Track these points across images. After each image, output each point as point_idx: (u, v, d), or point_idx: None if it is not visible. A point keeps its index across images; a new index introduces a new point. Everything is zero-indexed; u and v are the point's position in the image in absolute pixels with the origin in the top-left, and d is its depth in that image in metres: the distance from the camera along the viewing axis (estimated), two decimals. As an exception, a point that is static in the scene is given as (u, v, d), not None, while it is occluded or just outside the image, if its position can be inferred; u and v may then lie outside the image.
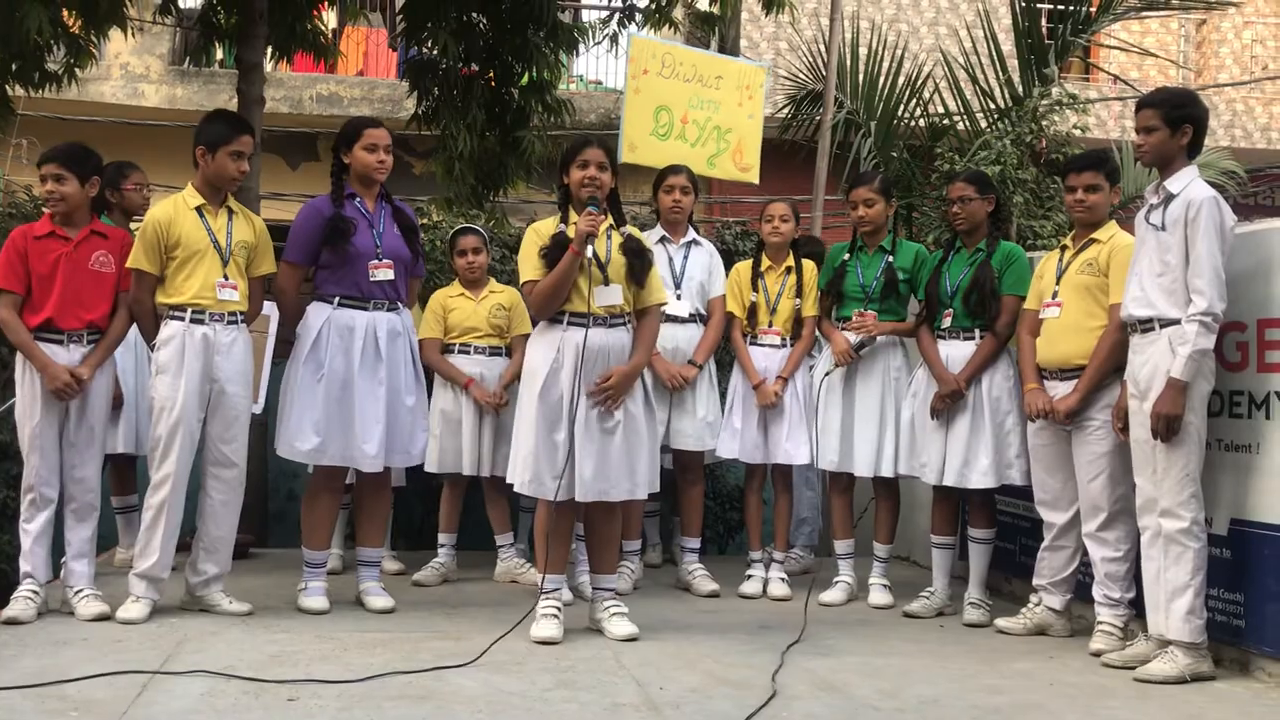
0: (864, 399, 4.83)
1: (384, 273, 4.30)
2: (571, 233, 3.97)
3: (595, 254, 3.99)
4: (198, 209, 4.17)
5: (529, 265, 4.02)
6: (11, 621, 3.91)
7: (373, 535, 4.51)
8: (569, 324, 3.98)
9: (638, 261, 4.06)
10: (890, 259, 4.85)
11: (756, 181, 6.07)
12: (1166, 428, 3.63)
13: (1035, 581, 4.37)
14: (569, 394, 3.93)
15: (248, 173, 4.32)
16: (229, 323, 4.17)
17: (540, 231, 4.08)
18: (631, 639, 3.94)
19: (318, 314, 4.28)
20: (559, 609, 3.99)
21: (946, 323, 4.63)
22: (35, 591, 4.03)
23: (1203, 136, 3.82)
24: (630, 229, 4.18)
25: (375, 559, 4.52)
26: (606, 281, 4.01)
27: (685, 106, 5.81)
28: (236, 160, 4.19)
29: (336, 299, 4.28)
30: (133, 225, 5.07)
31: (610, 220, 4.10)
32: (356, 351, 4.23)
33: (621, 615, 4.04)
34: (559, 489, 3.90)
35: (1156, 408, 3.65)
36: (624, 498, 4.03)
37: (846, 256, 4.93)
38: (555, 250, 3.95)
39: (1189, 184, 3.73)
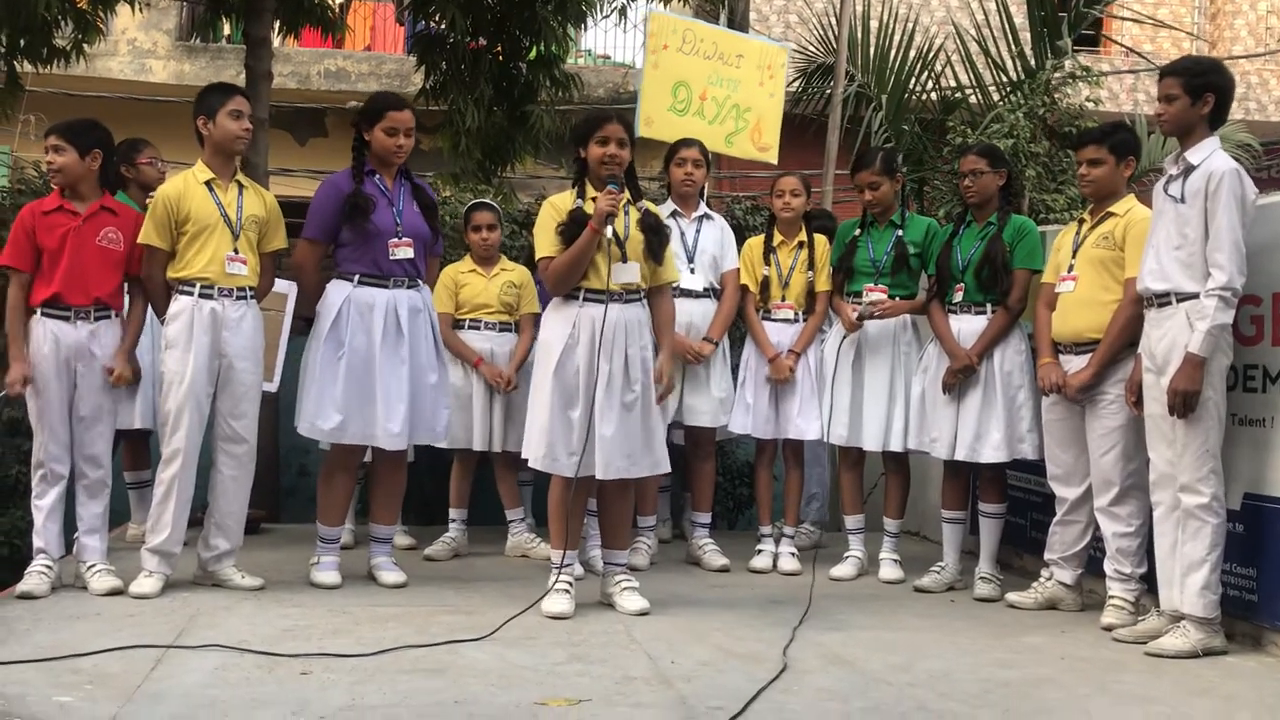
0: (873, 374, 4.81)
1: (404, 251, 4.27)
2: (589, 208, 3.94)
3: (615, 231, 3.95)
4: (207, 183, 4.17)
5: (546, 241, 3.99)
6: (25, 596, 3.93)
7: (388, 512, 4.52)
8: (585, 300, 3.96)
9: (655, 238, 4.05)
10: (900, 234, 4.82)
11: (775, 161, 6.03)
12: (1183, 404, 3.60)
13: (1046, 556, 4.36)
14: (586, 371, 3.92)
15: (252, 130, 4.29)
16: (238, 298, 4.16)
17: (557, 206, 4.04)
18: (643, 613, 3.95)
19: (338, 292, 4.26)
20: (571, 585, 4.00)
21: (958, 297, 4.60)
22: (49, 566, 4.04)
23: (1226, 106, 3.74)
24: (646, 204, 4.16)
25: (388, 535, 4.53)
26: (625, 258, 3.98)
27: (704, 83, 5.77)
28: (237, 119, 4.18)
29: (356, 277, 4.25)
30: (148, 201, 5.07)
31: (628, 196, 4.06)
32: (378, 329, 4.21)
33: (633, 590, 4.05)
34: (576, 465, 3.90)
35: (1174, 384, 3.62)
36: (646, 474, 4.03)
37: (857, 232, 4.90)
38: (573, 226, 3.92)
39: (1210, 155, 3.68)
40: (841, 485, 5.03)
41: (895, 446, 4.78)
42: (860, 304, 4.80)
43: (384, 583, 4.35)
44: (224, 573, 4.23)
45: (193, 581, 4.23)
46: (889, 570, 4.82)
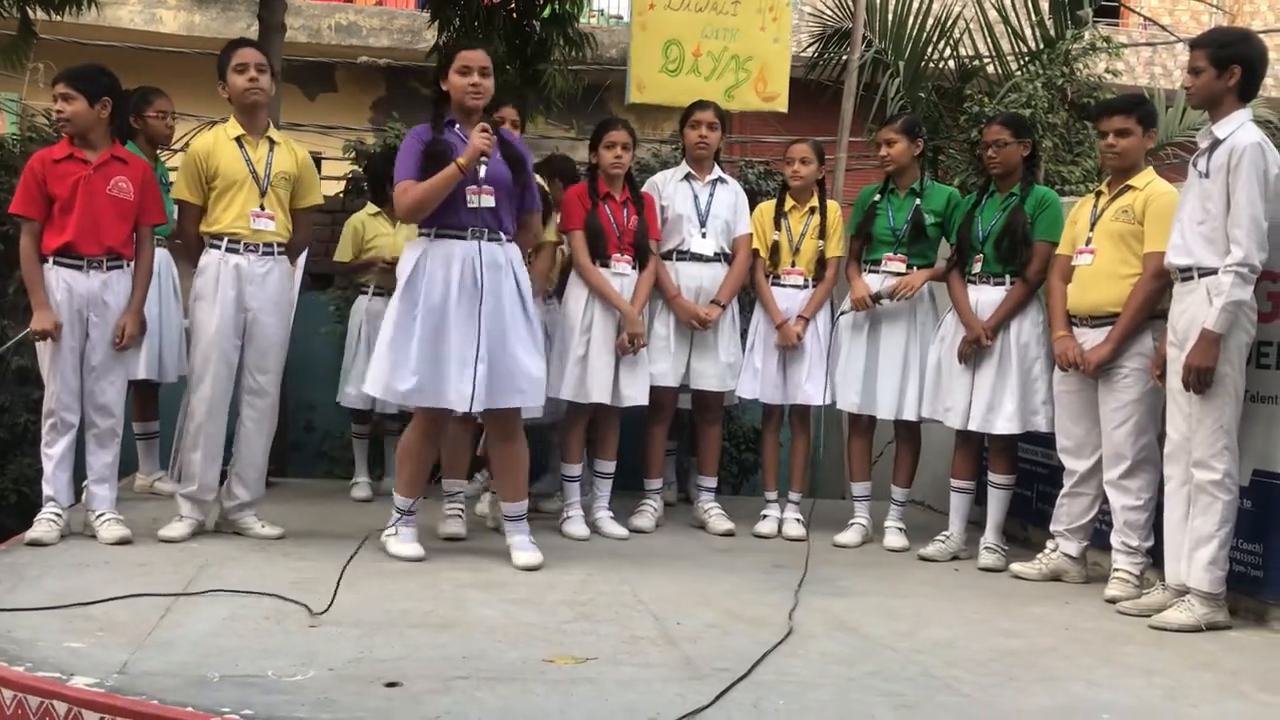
0: (888, 342, 4.80)
1: (485, 199, 3.98)
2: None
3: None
4: (237, 139, 4.21)
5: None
6: (35, 543, 3.95)
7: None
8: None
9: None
10: (919, 203, 4.79)
11: (784, 109, 5.89)
12: (1197, 379, 3.58)
13: (1053, 527, 4.36)
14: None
15: (258, 81, 4.20)
16: (264, 253, 4.20)
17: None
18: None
19: (414, 248, 4.03)
20: (461, 511, 4.52)
21: (977, 268, 4.57)
22: (58, 514, 4.06)
23: (1256, 78, 3.69)
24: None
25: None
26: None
27: (698, 38, 5.60)
28: (240, 73, 4.18)
29: (434, 230, 4.01)
30: (160, 154, 5.06)
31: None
32: (454, 284, 3.95)
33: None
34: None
35: (1188, 359, 3.60)
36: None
37: (877, 198, 4.86)
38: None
39: (1236, 129, 3.63)
40: (850, 452, 5.03)
41: (909, 415, 4.77)
42: (878, 273, 4.78)
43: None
44: (244, 521, 4.30)
45: (215, 530, 4.28)
46: (894, 538, 4.83)
